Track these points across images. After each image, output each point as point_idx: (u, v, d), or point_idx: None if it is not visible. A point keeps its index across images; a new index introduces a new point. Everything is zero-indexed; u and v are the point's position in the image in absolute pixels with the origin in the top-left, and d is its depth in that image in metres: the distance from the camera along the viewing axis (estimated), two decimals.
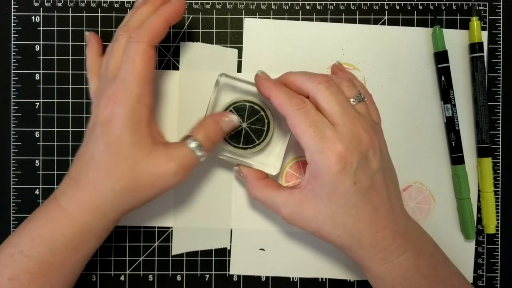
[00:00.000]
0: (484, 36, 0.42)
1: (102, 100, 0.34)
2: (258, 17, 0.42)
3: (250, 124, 0.39)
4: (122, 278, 0.42)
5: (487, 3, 0.42)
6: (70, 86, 0.42)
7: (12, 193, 0.42)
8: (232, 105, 0.40)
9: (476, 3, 0.42)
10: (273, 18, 0.42)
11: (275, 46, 0.42)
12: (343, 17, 0.42)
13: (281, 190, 0.36)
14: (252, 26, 0.42)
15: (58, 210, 0.33)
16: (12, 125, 0.42)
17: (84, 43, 0.42)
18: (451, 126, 0.41)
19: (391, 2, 0.42)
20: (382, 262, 0.34)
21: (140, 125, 0.33)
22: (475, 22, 0.41)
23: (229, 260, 0.42)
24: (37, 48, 0.42)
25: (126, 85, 0.33)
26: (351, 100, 0.35)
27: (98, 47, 0.40)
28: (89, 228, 0.33)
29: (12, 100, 0.42)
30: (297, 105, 0.34)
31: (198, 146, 0.35)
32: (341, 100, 0.34)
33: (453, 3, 0.42)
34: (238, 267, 0.42)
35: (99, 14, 0.42)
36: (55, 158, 0.42)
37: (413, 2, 0.42)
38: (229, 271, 0.42)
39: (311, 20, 0.42)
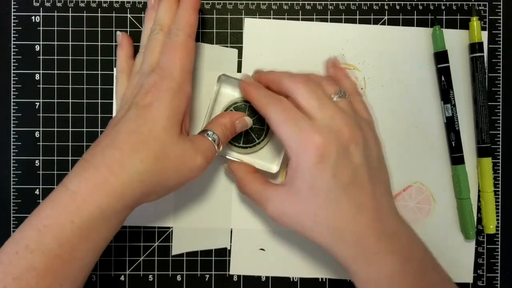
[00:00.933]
0: (484, 36, 0.42)
1: (141, 90, 0.34)
2: (258, 17, 0.42)
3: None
4: (122, 278, 0.42)
5: (487, 3, 0.42)
6: (70, 86, 0.42)
7: (12, 193, 0.42)
8: (233, 105, 0.40)
9: (476, 3, 0.42)
10: (273, 18, 0.42)
11: (275, 46, 0.42)
12: (343, 17, 0.42)
13: (267, 186, 0.36)
14: (252, 26, 0.42)
15: (66, 195, 0.30)
16: (12, 125, 0.42)
17: (84, 43, 0.42)
18: (451, 126, 0.41)
19: (391, 2, 0.42)
20: (366, 264, 0.32)
21: (178, 113, 0.33)
22: (475, 22, 0.41)
23: (229, 260, 0.42)
24: (37, 48, 0.42)
25: (168, 74, 0.33)
26: (332, 96, 0.35)
27: (130, 48, 0.40)
28: (102, 215, 0.30)
29: (12, 100, 0.42)
30: (274, 104, 0.34)
31: (217, 140, 0.36)
32: (319, 95, 0.34)
33: (453, 3, 0.42)
34: (238, 267, 0.42)
35: (99, 14, 0.42)
36: (55, 158, 0.42)
37: (413, 2, 0.42)
38: (229, 271, 0.42)
39: (311, 20, 0.42)
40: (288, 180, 0.34)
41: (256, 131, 0.40)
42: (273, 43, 0.42)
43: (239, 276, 0.42)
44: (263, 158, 0.41)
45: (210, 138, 0.35)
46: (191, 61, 0.35)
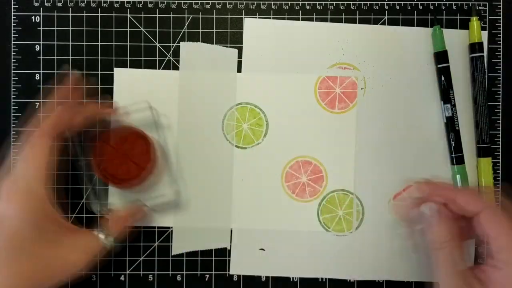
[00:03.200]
0: (484, 36, 0.42)
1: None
2: (258, 17, 0.42)
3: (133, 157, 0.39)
4: (122, 278, 0.42)
5: (487, 3, 0.42)
6: (70, 86, 0.42)
7: None
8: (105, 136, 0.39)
9: (476, 3, 0.42)
10: (273, 18, 0.42)
11: (275, 46, 0.42)
12: (343, 17, 0.42)
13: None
14: (252, 26, 0.42)
15: None
16: (12, 125, 0.42)
17: (84, 43, 0.42)
18: (451, 126, 0.41)
19: (391, 2, 0.42)
20: None
21: (41, 220, 0.32)
22: (475, 22, 0.41)
23: (229, 260, 0.42)
24: (37, 48, 0.42)
25: (21, 182, 0.32)
26: None
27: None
28: None
29: (12, 99, 0.42)
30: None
31: (105, 234, 0.35)
32: None
33: (453, 3, 0.42)
34: (238, 267, 0.42)
35: (99, 14, 0.42)
36: (55, 158, 0.42)
37: (413, 2, 0.42)
38: (229, 271, 0.42)
39: (311, 20, 0.42)
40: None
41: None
42: (273, 43, 0.42)
43: (239, 276, 0.42)
44: (161, 191, 0.41)
45: (99, 234, 0.35)
46: (47, 165, 0.33)
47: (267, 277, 0.42)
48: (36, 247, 0.32)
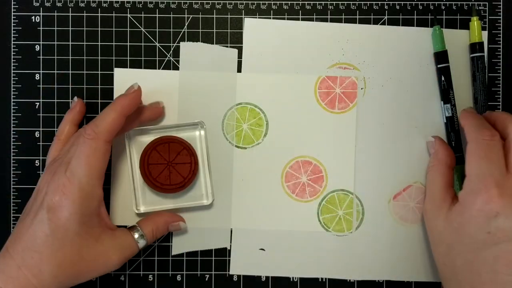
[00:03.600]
0: (484, 36, 0.42)
1: (51, 186, 0.34)
2: (258, 17, 0.42)
3: (176, 162, 0.40)
4: (122, 278, 0.42)
5: (487, 3, 0.42)
6: (70, 86, 0.42)
7: (12, 193, 0.42)
8: (156, 143, 0.40)
9: (476, 3, 0.42)
10: (273, 18, 0.42)
11: (275, 46, 0.42)
12: (343, 17, 0.42)
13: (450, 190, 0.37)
14: (252, 26, 0.42)
15: None
16: (12, 125, 0.42)
17: (84, 43, 0.42)
18: (451, 126, 0.41)
19: (391, 2, 0.42)
20: None
21: (88, 217, 0.34)
22: (475, 22, 0.41)
23: (229, 260, 0.42)
24: (37, 48, 0.42)
25: (77, 180, 0.33)
26: None
27: (78, 116, 0.40)
28: None
29: (12, 100, 0.42)
30: (483, 135, 0.34)
31: (142, 237, 0.37)
32: None
33: (453, 3, 0.42)
34: (238, 267, 0.42)
35: (99, 14, 0.42)
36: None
37: (413, 2, 0.42)
38: (229, 271, 0.42)
39: (311, 20, 0.42)
40: (460, 198, 0.35)
41: (181, 169, 0.40)
42: (273, 43, 0.42)
43: (239, 276, 0.42)
44: (194, 194, 0.41)
45: (135, 236, 0.37)
46: (104, 166, 0.35)
47: (267, 277, 0.42)
48: (80, 240, 0.34)
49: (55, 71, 0.42)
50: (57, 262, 0.33)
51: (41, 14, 0.42)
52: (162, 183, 0.40)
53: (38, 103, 0.42)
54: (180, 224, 0.40)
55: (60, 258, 0.33)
